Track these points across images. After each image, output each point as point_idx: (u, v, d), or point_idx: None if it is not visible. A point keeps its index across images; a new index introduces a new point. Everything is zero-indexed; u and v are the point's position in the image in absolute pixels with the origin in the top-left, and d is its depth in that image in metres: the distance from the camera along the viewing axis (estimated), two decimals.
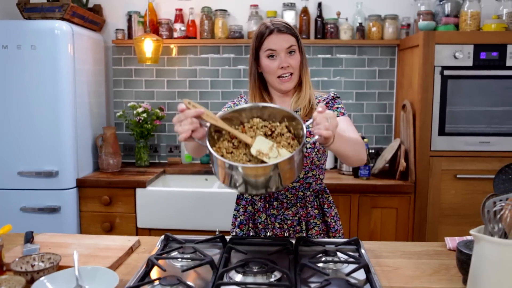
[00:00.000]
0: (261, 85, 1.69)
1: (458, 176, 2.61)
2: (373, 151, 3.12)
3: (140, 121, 3.05)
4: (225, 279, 1.23)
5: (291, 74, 1.60)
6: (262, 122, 1.34)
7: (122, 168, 3.09)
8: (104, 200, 2.74)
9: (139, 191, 2.73)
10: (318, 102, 1.68)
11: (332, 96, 1.70)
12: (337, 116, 1.62)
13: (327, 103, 1.67)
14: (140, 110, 3.05)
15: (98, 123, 3.12)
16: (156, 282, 1.18)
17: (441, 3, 2.87)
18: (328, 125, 1.23)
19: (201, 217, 2.69)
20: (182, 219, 2.71)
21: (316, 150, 1.64)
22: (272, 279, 1.23)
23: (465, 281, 1.28)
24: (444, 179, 2.63)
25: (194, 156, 1.58)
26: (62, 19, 2.72)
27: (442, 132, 2.61)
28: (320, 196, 1.72)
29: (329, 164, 3.09)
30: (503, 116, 2.61)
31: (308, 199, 1.69)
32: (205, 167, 3.15)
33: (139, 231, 2.76)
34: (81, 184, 2.77)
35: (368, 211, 2.69)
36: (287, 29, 1.58)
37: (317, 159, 1.66)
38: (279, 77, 1.60)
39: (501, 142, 2.62)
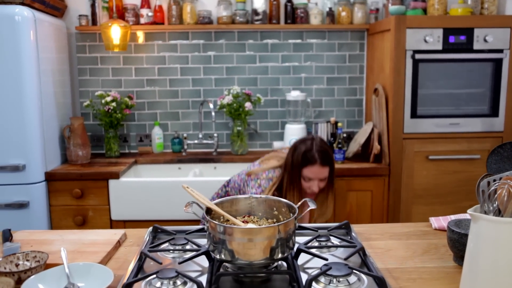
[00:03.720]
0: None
1: (430, 157, 2.69)
2: (345, 135, 3.14)
3: (109, 110, 2.95)
4: (223, 269, 1.21)
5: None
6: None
7: (92, 159, 2.98)
8: (76, 193, 2.65)
9: (112, 182, 2.65)
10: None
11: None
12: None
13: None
14: (108, 99, 2.95)
15: (64, 113, 2.99)
16: (153, 276, 1.15)
17: None
18: None
19: (177, 206, 2.61)
20: (158, 209, 2.65)
21: None
22: (270, 266, 1.22)
23: (455, 259, 1.32)
24: (417, 160, 2.70)
25: None
26: (22, 4, 2.56)
27: (414, 114, 2.67)
28: None
29: None
30: (470, 98, 2.70)
31: None
32: (177, 156, 3.09)
33: (113, 224, 2.69)
34: (50, 177, 2.65)
35: (343, 195, 2.72)
36: (327, 162, 1.94)
37: None
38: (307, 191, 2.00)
39: (469, 124, 2.70)
